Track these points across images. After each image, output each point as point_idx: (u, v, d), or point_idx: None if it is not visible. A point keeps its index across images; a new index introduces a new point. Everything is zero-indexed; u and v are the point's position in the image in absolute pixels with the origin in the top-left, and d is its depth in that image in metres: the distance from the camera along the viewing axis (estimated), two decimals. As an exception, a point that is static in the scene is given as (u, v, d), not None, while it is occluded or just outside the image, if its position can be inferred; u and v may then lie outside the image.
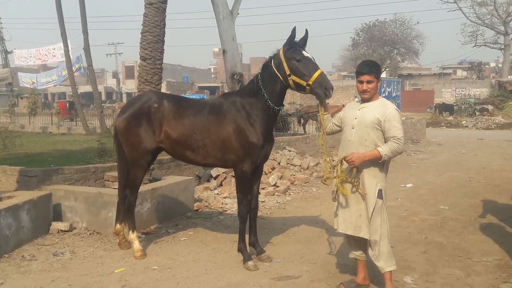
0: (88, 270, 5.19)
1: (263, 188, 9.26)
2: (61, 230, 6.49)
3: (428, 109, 44.00)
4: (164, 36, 7.91)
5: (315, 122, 19.67)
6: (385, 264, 4.31)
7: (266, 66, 5.22)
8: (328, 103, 4.90)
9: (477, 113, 34.97)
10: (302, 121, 19.78)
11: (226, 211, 7.96)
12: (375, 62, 4.48)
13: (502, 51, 50.45)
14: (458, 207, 8.11)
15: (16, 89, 48.12)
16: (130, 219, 5.80)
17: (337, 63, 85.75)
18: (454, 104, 38.57)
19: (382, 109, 4.28)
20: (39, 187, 7.14)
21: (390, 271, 4.35)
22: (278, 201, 8.69)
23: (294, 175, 10.73)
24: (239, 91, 5.98)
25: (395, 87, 21.34)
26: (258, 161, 5.41)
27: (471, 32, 50.97)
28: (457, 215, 7.51)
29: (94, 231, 6.58)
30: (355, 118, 4.41)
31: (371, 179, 4.29)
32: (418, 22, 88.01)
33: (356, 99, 4.80)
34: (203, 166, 8.90)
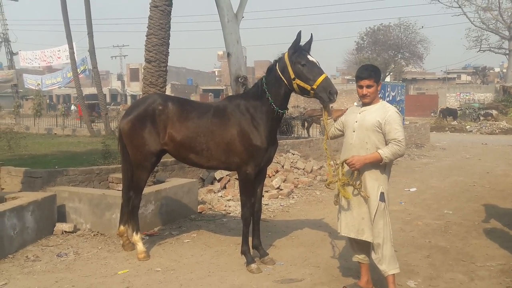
0: (92, 271, 5.20)
1: (266, 191, 9.26)
2: (65, 231, 6.52)
3: (432, 114, 43.92)
4: (169, 39, 7.94)
5: (319, 125, 19.63)
6: (388, 267, 4.30)
7: (271, 69, 5.23)
8: (332, 107, 4.91)
9: (481, 118, 34.90)
10: (306, 124, 19.77)
11: (229, 213, 7.97)
12: (374, 66, 4.50)
13: (507, 56, 50.32)
14: (462, 211, 8.09)
15: (21, 90, 48.26)
16: (134, 221, 5.82)
17: (341, 67, 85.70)
18: (458, 108, 38.47)
19: (383, 111, 4.30)
20: (44, 188, 7.16)
21: (393, 274, 4.34)
22: (282, 204, 8.69)
23: (297, 178, 10.73)
24: (244, 94, 6.00)
25: (399, 91, 21.26)
26: (262, 164, 5.42)
27: (475, 37, 50.89)
28: (461, 220, 7.49)
29: (98, 232, 6.59)
30: (356, 122, 4.42)
31: (373, 181, 4.29)
32: (422, 27, 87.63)
33: (356, 104, 4.81)
34: (207, 169, 8.90)
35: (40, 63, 51.10)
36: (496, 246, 6.07)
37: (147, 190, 6.69)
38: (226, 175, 9.74)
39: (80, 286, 4.79)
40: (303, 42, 5.05)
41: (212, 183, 9.84)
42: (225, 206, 8.33)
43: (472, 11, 49.77)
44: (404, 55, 58.35)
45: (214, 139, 5.33)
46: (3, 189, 7.82)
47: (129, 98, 66.61)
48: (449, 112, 36.26)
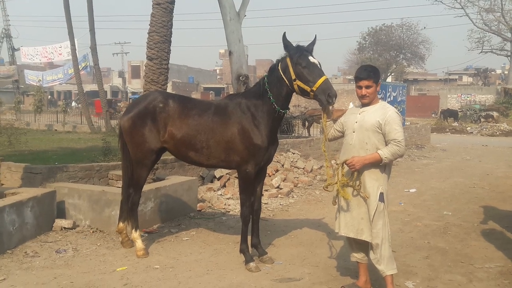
0: (91, 268, 5.21)
1: (266, 190, 9.27)
2: (64, 228, 6.52)
3: (433, 115, 43.93)
4: (171, 37, 7.94)
5: (319, 125, 19.64)
6: (386, 267, 4.31)
7: (273, 69, 5.23)
8: (333, 107, 4.91)
9: (482, 119, 34.90)
10: (306, 124, 19.75)
11: (229, 212, 7.97)
12: (373, 67, 4.49)
13: (509, 58, 50.33)
14: (462, 213, 8.09)
15: (22, 86, 48.36)
16: (133, 218, 5.82)
17: (343, 67, 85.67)
18: (459, 110, 38.49)
19: (382, 112, 4.30)
20: (43, 184, 7.17)
21: (391, 275, 4.35)
22: (281, 203, 8.70)
23: (297, 177, 10.73)
24: (245, 93, 5.99)
25: (401, 91, 21.24)
26: (262, 163, 5.42)
27: (477, 38, 50.85)
28: (460, 221, 7.49)
29: (97, 229, 6.60)
30: (356, 122, 4.43)
31: (373, 182, 4.30)
32: (424, 27, 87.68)
33: (351, 105, 4.81)
34: (207, 167, 8.91)
35: (42, 59, 51.13)
36: (495, 248, 6.06)
37: (146, 187, 6.70)
38: (226, 174, 9.75)
39: (78, 282, 4.80)
40: (306, 42, 5.06)
41: (212, 182, 9.85)
42: (225, 204, 8.34)
43: (475, 12, 50.02)
44: (406, 56, 58.37)
45: (215, 137, 5.33)
46: (3, 184, 7.84)
47: (130, 95, 66.59)
48: (450, 113, 36.27)
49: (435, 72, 78.27)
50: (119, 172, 6.92)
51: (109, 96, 55.21)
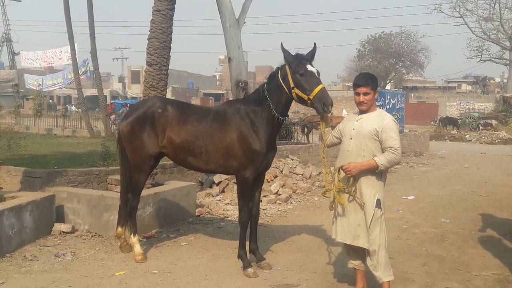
0: (89, 272, 5.21)
1: (265, 196, 9.28)
2: (63, 232, 6.54)
3: (432, 122, 44.00)
4: (171, 43, 7.98)
5: (318, 131, 19.66)
6: (382, 274, 4.33)
7: (273, 76, 5.27)
8: (332, 113, 4.94)
9: (481, 127, 34.97)
10: (305, 130, 19.78)
11: (227, 217, 7.98)
12: (371, 75, 4.55)
13: (507, 66, 50.47)
14: (459, 220, 8.11)
15: (22, 90, 48.39)
16: (131, 223, 5.84)
17: (342, 74, 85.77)
18: (458, 118, 38.56)
19: (380, 119, 4.34)
20: (43, 189, 7.19)
21: (388, 281, 4.37)
22: (280, 209, 8.71)
23: (296, 183, 10.75)
24: (244, 99, 6.02)
25: (399, 99, 21.31)
26: (260, 169, 5.45)
27: (476, 47, 51.05)
28: (458, 229, 7.51)
29: (96, 233, 6.61)
30: (353, 129, 4.47)
31: (369, 189, 4.33)
32: (423, 35, 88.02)
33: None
34: (205, 173, 8.92)
35: (41, 64, 51.29)
36: (492, 255, 6.07)
37: (145, 192, 6.72)
38: (225, 179, 9.77)
39: (77, 286, 4.81)
40: (307, 50, 5.10)
41: (210, 187, 9.86)
42: (223, 210, 8.35)
43: (474, 21, 50.16)
44: (405, 63, 58.57)
45: (213, 143, 5.36)
46: (2, 188, 7.84)
47: (119, 100, 66.57)
48: (450, 121, 36.36)
49: (434, 80, 78.51)
50: (118, 177, 6.93)
51: (109, 102, 55.20)
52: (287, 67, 5.05)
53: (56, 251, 5.88)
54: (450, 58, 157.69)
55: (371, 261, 4.36)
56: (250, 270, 5.23)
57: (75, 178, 7.77)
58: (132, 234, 5.78)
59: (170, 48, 7.98)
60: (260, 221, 6.46)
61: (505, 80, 60.37)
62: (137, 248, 5.70)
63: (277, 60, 5.29)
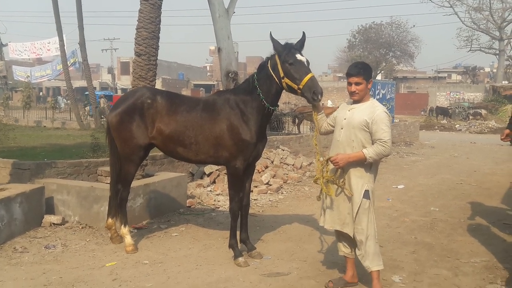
0: (80, 263, 5.21)
1: (255, 186, 9.31)
2: (53, 223, 6.52)
3: (422, 112, 44.21)
4: (159, 33, 7.92)
5: (309, 122, 19.70)
6: (371, 263, 4.37)
7: (263, 66, 5.27)
8: (323, 104, 4.95)
9: (471, 117, 35.22)
10: (296, 121, 19.80)
11: (218, 208, 8.00)
12: (364, 64, 4.53)
13: (497, 56, 50.75)
14: (448, 209, 8.19)
15: (10, 82, 47.86)
16: (122, 214, 5.83)
17: (333, 65, 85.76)
18: (449, 107, 38.79)
19: (371, 110, 4.32)
20: (32, 180, 7.15)
21: (378, 270, 4.41)
22: (271, 199, 8.74)
23: (287, 174, 10.78)
24: (234, 89, 6.02)
25: (390, 89, 21.37)
26: (251, 159, 5.46)
27: (466, 36, 51.19)
28: (447, 217, 7.59)
29: (86, 225, 6.60)
30: (345, 119, 4.47)
31: (357, 179, 4.34)
32: (414, 26, 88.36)
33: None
34: (195, 163, 8.92)
35: (30, 55, 50.74)
36: (480, 243, 6.15)
37: (135, 183, 6.71)
38: (216, 170, 9.78)
39: (67, 277, 4.81)
40: (296, 40, 5.09)
41: (201, 178, 9.87)
42: (214, 200, 8.36)
43: (463, 11, 50.27)
44: (396, 54, 58.59)
45: (203, 133, 5.36)
46: (-9, 180, 7.78)
47: (119, 92, 66.21)
48: (442, 111, 36.57)
49: (424, 70, 78.92)
50: (108, 168, 6.90)
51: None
52: (276, 56, 5.04)
53: (47, 242, 5.87)
54: (440, 48, 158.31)
55: (359, 250, 4.40)
56: (241, 259, 5.25)
57: (64, 169, 7.73)
58: (123, 225, 5.78)
59: (158, 38, 7.92)
60: (251, 211, 6.48)
61: (494, 70, 60.81)
62: (128, 239, 5.70)
63: (268, 51, 5.30)
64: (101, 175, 8.05)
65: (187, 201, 7.99)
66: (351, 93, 4.45)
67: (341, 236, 4.61)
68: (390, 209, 8.06)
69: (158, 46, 7.93)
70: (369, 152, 4.22)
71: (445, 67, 75.82)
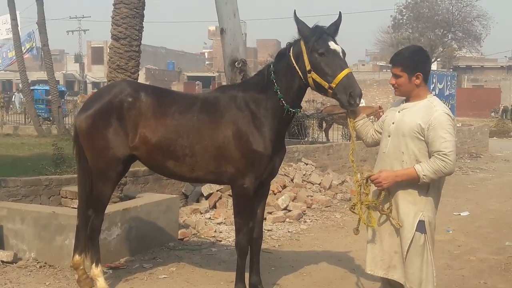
0: (37, 315, 5.23)
1: (270, 213, 9.29)
2: (2, 261, 6.54)
3: (492, 114, 44.00)
4: (144, 9, 7.98)
5: (341, 126, 19.67)
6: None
7: (283, 54, 5.26)
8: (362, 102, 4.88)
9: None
10: (324, 125, 19.80)
11: (220, 241, 8.00)
12: (412, 51, 4.47)
13: None
14: (529, 244, 8.12)
15: None
16: (93, 249, 5.83)
17: (372, 50, 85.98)
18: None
19: (427, 112, 4.25)
20: (-26, 204, 7.19)
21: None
22: (290, 230, 8.73)
23: (311, 196, 10.76)
24: (242, 83, 6.03)
25: (449, 82, 21.23)
26: (264, 176, 5.46)
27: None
28: (527, 255, 7.53)
29: (45, 263, 6.62)
30: (393, 123, 4.42)
31: (409, 206, 4.28)
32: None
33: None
34: (191, 182, 8.93)
35: (-28, 38, 51.31)
36: None
37: (111, 208, 6.72)
38: (217, 191, 9.78)
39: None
40: (324, 21, 5.09)
41: (198, 201, 9.88)
42: (215, 231, 8.36)
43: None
44: (456, 35, 58.51)
45: (201, 142, 5.36)
46: None
47: (89, 86, 66.81)
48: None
49: (495, 57, 78.51)
50: (75, 188, 6.94)
51: (62, 88, 55.18)
52: (302, 43, 5.03)
53: (-7, 287, 5.90)
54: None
55: (411, 302, 4.33)
56: (250, 311, 5.24)
57: (17, 190, 7.78)
58: (94, 264, 5.78)
59: (143, 16, 7.97)
60: (263, 245, 6.46)
61: None
62: (101, 283, 5.70)
63: (286, 33, 5.31)
64: (66, 197, 8.09)
65: (179, 232, 8.00)
66: (393, 87, 4.46)
67: (386, 283, 4.56)
68: (450, 244, 8.01)
69: (142, 27, 7.99)
70: (423, 169, 4.14)
71: (523, 53, 75.47)
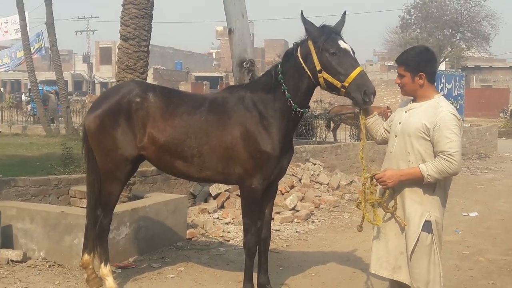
0: (46, 314, 5.25)
1: (278, 213, 9.29)
2: (12, 261, 6.56)
3: (501, 114, 43.80)
4: (153, 10, 8.01)
5: (349, 126, 19.65)
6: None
7: (290, 55, 5.27)
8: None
9: None
10: (332, 125, 19.77)
11: (228, 241, 8.01)
12: (416, 51, 4.44)
13: None
14: (539, 244, 8.09)
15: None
16: (102, 249, 5.85)
17: (380, 50, 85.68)
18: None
19: (432, 112, 4.23)
20: (-16, 204, 7.23)
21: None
22: (298, 230, 8.73)
23: (319, 196, 10.75)
24: (250, 84, 6.03)
25: (457, 83, 21.17)
26: (272, 177, 5.46)
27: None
28: (536, 256, 7.50)
29: (54, 262, 6.65)
30: (399, 123, 4.43)
31: (415, 206, 4.27)
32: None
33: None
34: (199, 182, 8.95)
35: (-19, 39, 51.46)
36: None
37: (120, 208, 6.75)
38: (225, 191, 9.78)
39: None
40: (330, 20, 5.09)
41: (206, 201, 9.89)
42: (223, 231, 8.37)
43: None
44: (465, 35, 58.22)
45: (209, 143, 5.37)
46: None
47: (98, 87, 67.01)
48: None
49: (503, 57, 78.16)
50: (84, 188, 6.96)
51: (71, 88, 55.44)
52: (310, 42, 5.03)
53: (3, 286, 5.91)
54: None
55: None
56: (259, 311, 5.24)
57: (27, 189, 7.81)
58: (103, 264, 5.80)
59: (151, 16, 8.00)
60: (271, 246, 6.47)
61: None
62: (110, 282, 5.72)
63: (293, 33, 5.32)
64: (75, 197, 8.12)
65: (187, 231, 8.01)
66: (399, 86, 4.48)
67: (395, 284, 4.55)
68: (459, 245, 7.99)
69: (151, 28, 8.01)
70: (428, 168, 4.13)
71: (532, 53, 75.10)
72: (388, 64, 72.32)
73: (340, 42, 4.90)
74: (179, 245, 7.62)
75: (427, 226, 4.25)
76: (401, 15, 58.40)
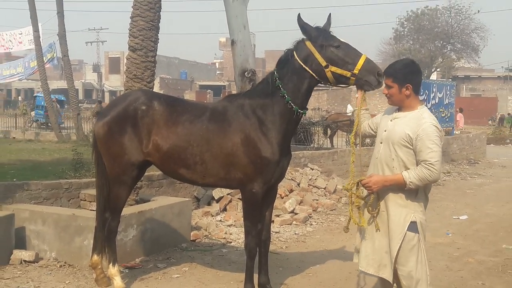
0: (57, 312, 5.24)
1: (277, 216, 9.28)
2: (25, 261, 6.56)
3: (489, 122, 43.80)
4: (159, 22, 8.02)
5: (345, 133, 19.65)
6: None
7: (285, 60, 5.28)
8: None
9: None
10: (329, 131, 19.78)
11: (230, 242, 8.00)
12: (404, 64, 4.49)
13: None
14: (526, 246, 8.07)
15: (-28, 83, 48.76)
16: (110, 250, 5.85)
17: (375, 61, 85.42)
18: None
19: (416, 123, 4.26)
20: (-1, 206, 7.22)
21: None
22: (297, 232, 8.72)
23: (317, 200, 10.75)
24: (248, 92, 6.01)
25: (448, 92, 21.20)
26: (272, 181, 5.46)
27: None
28: (523, 257, 7.48)
29: (65, 262, 6.64)
30: (385, 131, 4.46)
31: (399, 209, 4.30)
32: (478, 11, 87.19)
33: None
34: (203, 186, 8.95)
35: (-3, 49, 51.50)
36: None
37: (127, 211, 6.74)
38: (227, 194, 9.78)
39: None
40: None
41: (209, 204, 9.88)
42: (225, 233, 8.36)
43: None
44: (455, 47, 58.34)
45: (211, 150, 5.36)
46: None
47: (107, 95, 67.04)
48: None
49: (492, 67, 78.00)
50: (94, 191, 6.96)
51: (81, 96, 55.50)
52: (308, 43, 5.06)
53: (16, 285, 5.91)
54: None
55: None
56: (259, 309, 5.23)
57: (39, 193, 7.81)
58: (111, 264, 5.80)
59: (158, 28, 8.01)
60: (271, 247, 6.46)
61: None
62: (118, 282, 5.71)
63: (291, 43, 5.30)
64: (85, 200, 8.11)
65: (192, 233, 8.00)
66: (386, 96, 4.50)
67: (384, 281, 4.55)
68: (450, 247, 7.97)
69: (158, 39, 8.02)
70: (410, 176, 4.17)
71: (519, 63, 75.04)
72: (382, 73, 72.17)
73: (337, 37, 5.01)
74: (183, 246, 7.61)
75: (412, 227, 4.28)
76: (395, 27, 58.60)
